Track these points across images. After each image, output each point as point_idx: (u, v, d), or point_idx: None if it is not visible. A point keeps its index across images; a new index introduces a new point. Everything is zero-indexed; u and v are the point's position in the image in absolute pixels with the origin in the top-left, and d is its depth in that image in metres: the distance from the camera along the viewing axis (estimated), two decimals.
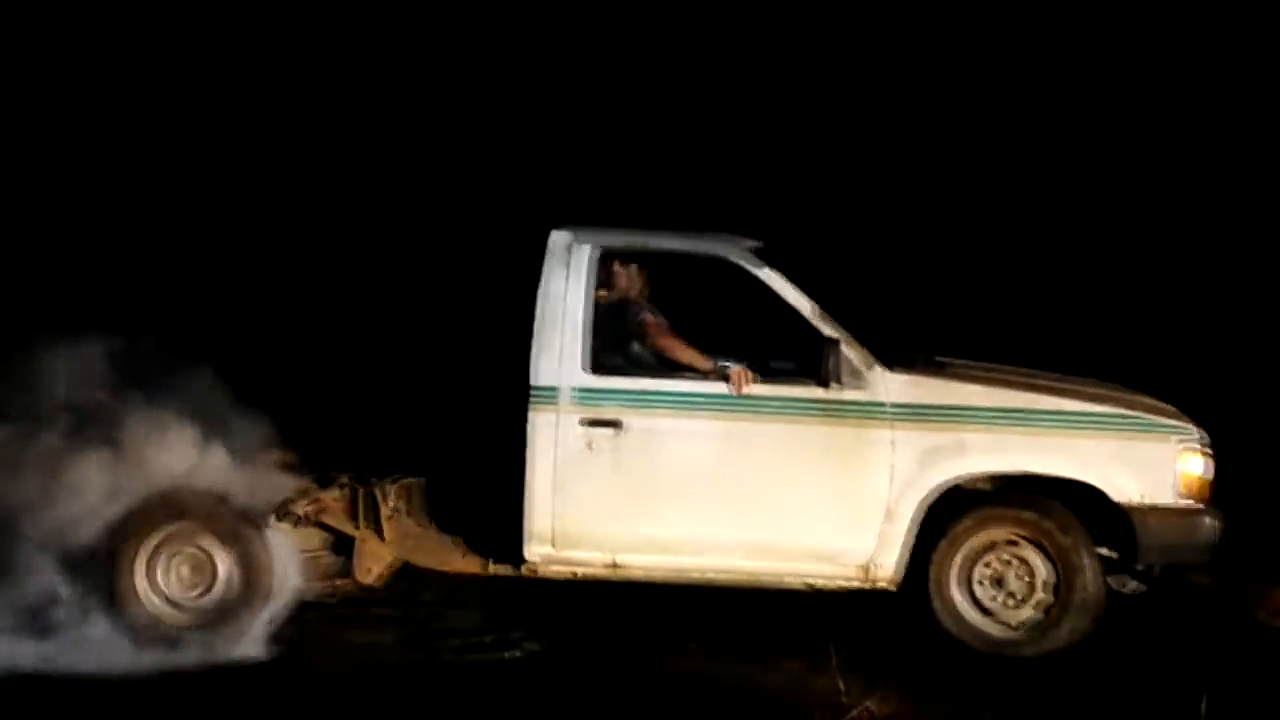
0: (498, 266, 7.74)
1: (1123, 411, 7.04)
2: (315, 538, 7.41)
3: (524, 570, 7.20)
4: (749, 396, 6.99)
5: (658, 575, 7.15)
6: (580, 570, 7.14)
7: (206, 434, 7.16)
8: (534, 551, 7.07)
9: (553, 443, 6.99)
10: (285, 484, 7.26)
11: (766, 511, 6.98)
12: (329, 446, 7.49)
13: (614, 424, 6.99)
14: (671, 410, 7.03)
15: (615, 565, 7.10)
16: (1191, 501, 6.94)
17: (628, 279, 7.33)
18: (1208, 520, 6.96)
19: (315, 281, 8.67)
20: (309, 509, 7.23)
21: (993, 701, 6.48)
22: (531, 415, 7.01)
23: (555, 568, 7.14)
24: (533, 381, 7.02)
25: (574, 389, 7.01)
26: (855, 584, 7.04)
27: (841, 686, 6.44)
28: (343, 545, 7.41)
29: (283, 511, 7.16)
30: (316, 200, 9.69)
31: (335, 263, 8.96)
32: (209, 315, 7.39)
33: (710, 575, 7.11)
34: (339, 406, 7.61)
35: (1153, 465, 6.91)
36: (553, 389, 7.01)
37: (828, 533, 6.98)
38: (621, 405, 7.01)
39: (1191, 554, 7.05)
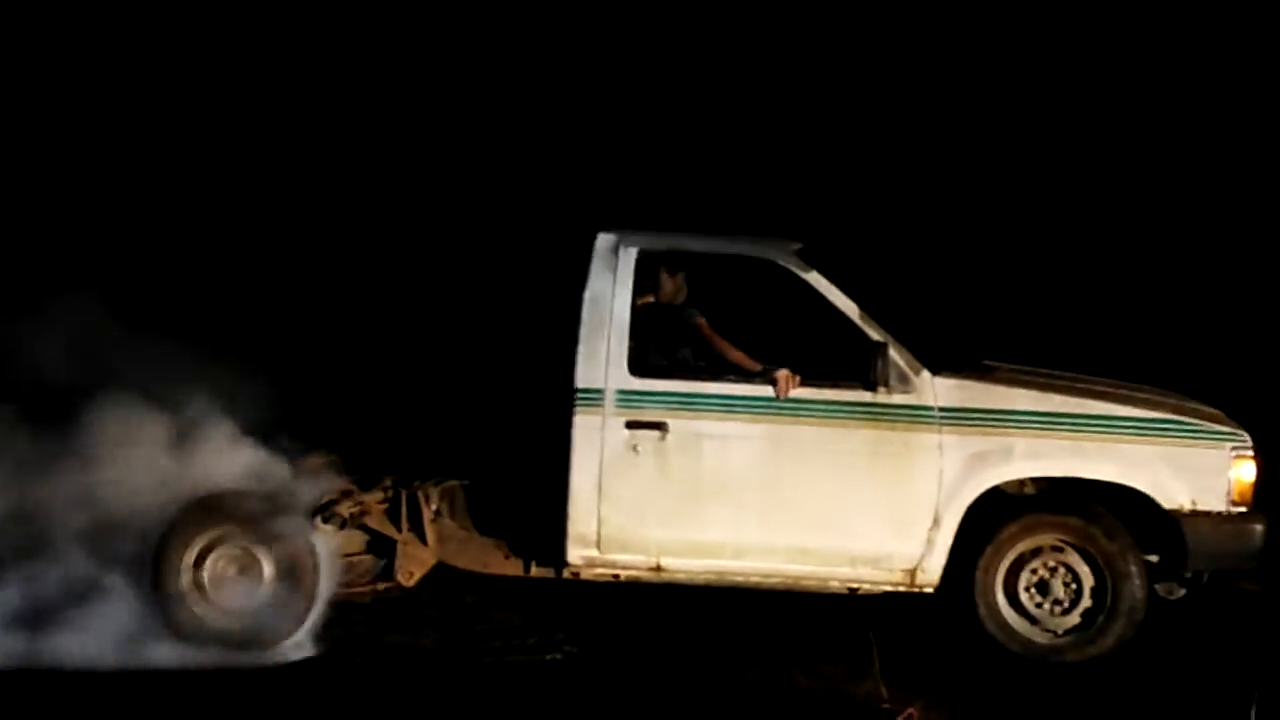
0: (542, 269, 7.70)
1: (1174, 417, 6.98)
2: (358, 540, 7.40)
3: (566, 573, 7.20)
4: (794, 400, 6.96)
5: (700, 579, 7.12)
6: (623, 573, 7.12)
7: (251, 436, 7.16)
8: (577, 554, 7.05)
9: (597, 445, 6.97)
10: (328, 486, 7.25)
11: (812, 515, 6.95)
12: (372, 449, 7.48)
13: (658, 426, 6.97)
14: (716, 413, 7.00)
15: (659, 568, 7.08)
16: (1242, 508, 6.88)
17: (673, 283, 7.31)
18: (1258, 527, 6.91)
19: (362, 285, 8.67)
20: (352, 511, 7.22)
21: (1035, 708, 6.45)
22: (576, 418, 6.98)
23: (598, 570, 7.12)
24: (577, 384, 7.00)
25: (618, 391, 6.99)
26: (900, 587, 7.01)
27: (883, 691, 6.42)
28: (384, 547, 7.41)
29: (326, 514, 7.13)
30: (363, 204, 9.69)
31: (382, 267, 8.95)
32: (255, 319, 7.35)
33: (754, 579, 7.09)
34: (382, 409, 7.59)
35: (1205, 472, 6.87)
36: (597, 391, 6.99)
37: (875, 537, 6.95)
38: (666, 408, 6.99)
39: (1241, 560, 7.00)
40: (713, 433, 6.98)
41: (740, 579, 7.10)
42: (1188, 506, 6.84)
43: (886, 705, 6.28)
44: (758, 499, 6.96)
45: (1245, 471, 6.89)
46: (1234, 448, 6.91)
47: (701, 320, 7.21)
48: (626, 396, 6.99)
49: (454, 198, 10.07)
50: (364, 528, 7.37)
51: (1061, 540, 6.95)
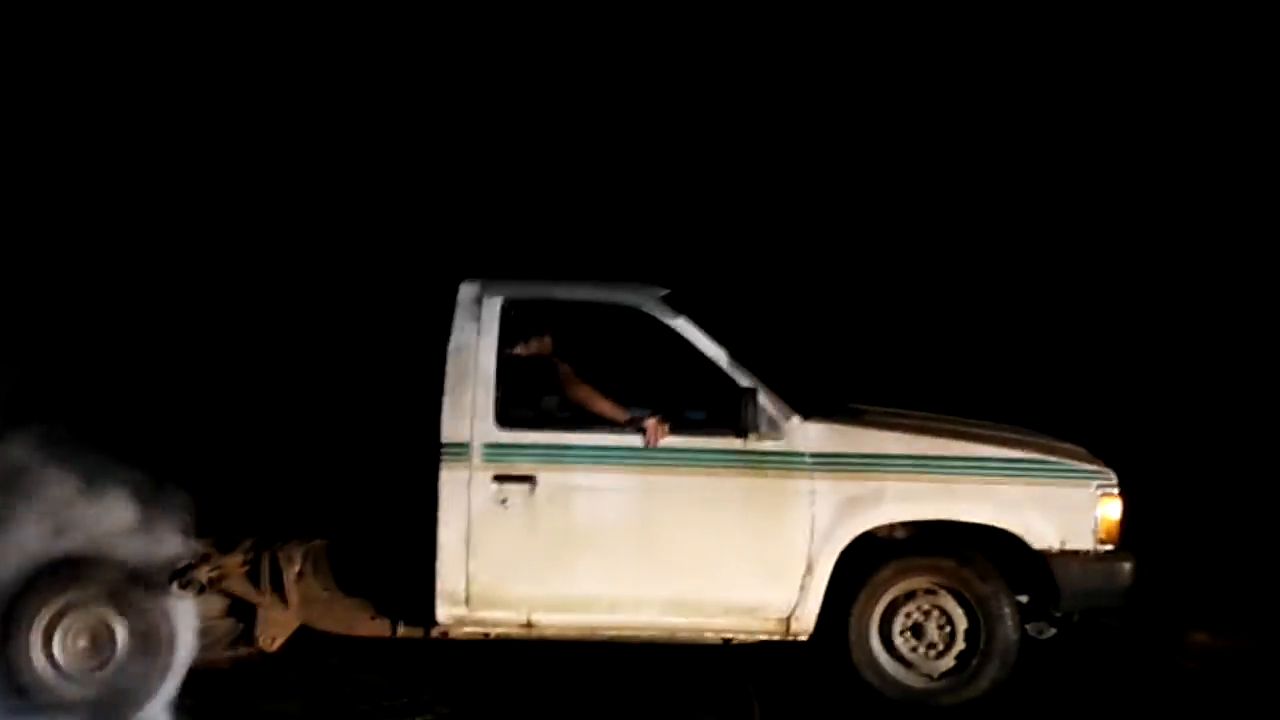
0: (407, 319, 7.53)
1: (1041, 457, 7.01)
2: (217, 604, 7.12)
3: (435, 632, 7.00)
4: (664, 449, 6.86)
5: (572, 633, 6.97)
6: (494, 631, 6.94)
7: (104, 496, 6.86)
8: (446, 613, 6.86)
9: (464, 500, 6.80)
10: (185, 549, 6.98)
11: (685, 566, 6.84)
12: (228, 508, 7.21)
13: (527, 479, 6.82)
14: (585, 464, 6.87)
15: (530, 625, 6.91)
16: (1109, 546, 6.93)
17: (539, 332, 7.18)
18: (1126, 565, 6.95)
19: (216, 335, 8.40)
20: (211, 575, 6.95)
21: None
22: (442, 472, 6.81)
23: (468, 629, 6.94)
24: (443, 438, 6.82)
25: (485, 445, 6.83)
26: (774, 636, 6.92)
27: None
28: (244, 610, 7.14)
29: (184, 578, 6.86)
30: (226, 247, 9.44)
31: (237, 315, 8.70)
32: (104, 377, 7.08)
33: (628, 632, 6.95)
34: (239, 466, 7.34)
35: (1072, 510, 6.89)
36: (463, 445, 6.82)
37: (748, 586, 6.86)
38: (534, 460, 6.84)
39: (1109, 599, 7.02)
40: (582, 484, 6.85)
41: (614, 633, 6.96)
42: (1057, 546, 6.86)
43: None
44: (630, 551, 6.84)
45: (1111, 510, 6.93)
46: (1099, 486, 6.95)
47: (567, 369, 7.10)
48: (493, 449, 6.83)
49: (321, 244, 9.86)
50: (223, 591, 7.11)
51: (935, 583, 6.94)
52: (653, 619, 6.90)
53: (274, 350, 8.35)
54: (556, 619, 6.91)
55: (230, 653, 7.16)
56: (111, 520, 6.85)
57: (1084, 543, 6.88)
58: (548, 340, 7.22)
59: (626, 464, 6.87)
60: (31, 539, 6.75)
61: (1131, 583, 6.99)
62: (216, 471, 7.25)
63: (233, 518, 7.20)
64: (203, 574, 6.91)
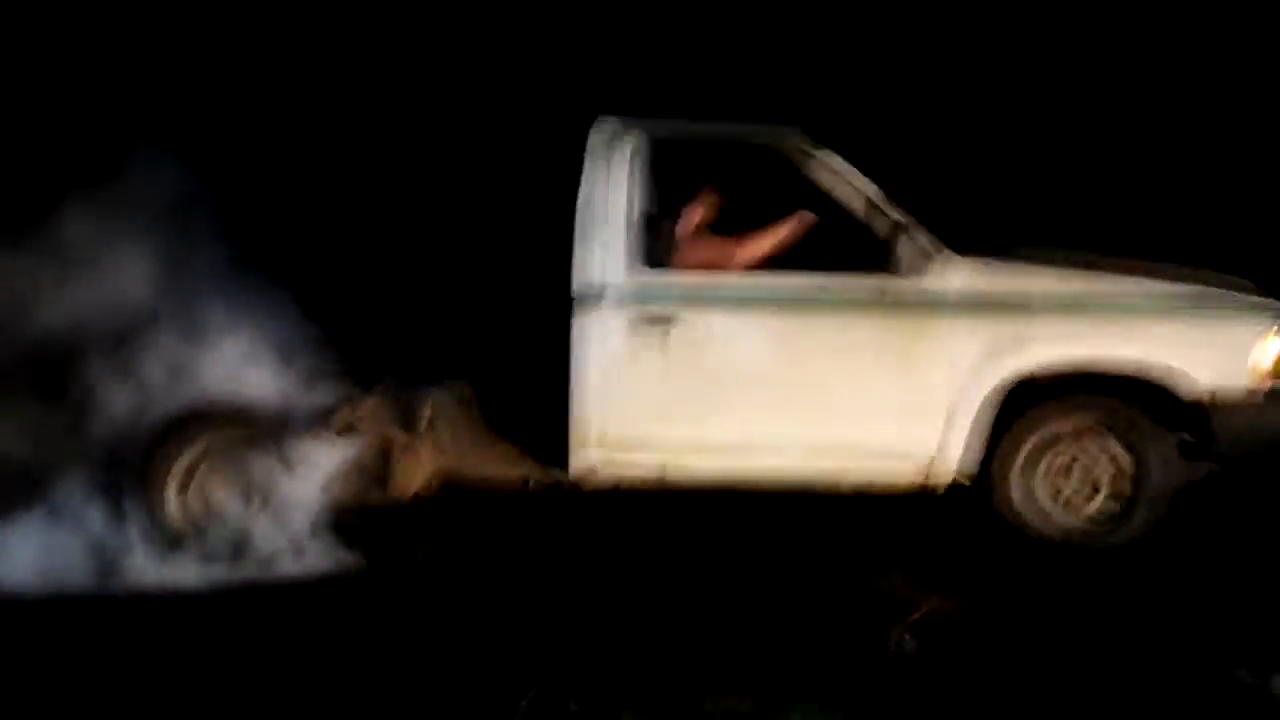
0: (541, 162, 7.36)
1: (1205, 291, 6.65)
2: (354, 448, 7.13)
3: (569, 479, 6.93)
4: (804, 288, 6.65)
5: (708, 480, 6.83)
6: (628, 476, 6.84)
7: (246, 342, 6.86)
8: (581, 457, 6.77)
9: (599, 344, 6.67)
10: (326, 392, 6.97)
11: (825, 409, 6.66)
12: (369, 351, 7.16)
13: (663, 321, 6.66)
14: (722, 306, 6.69)
15: (665, 470, 6.79)
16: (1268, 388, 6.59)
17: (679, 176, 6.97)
18: None
19: (353, 185, 8.31)
20: (350, 417, 6.95)
21: (1063, 596, 6.23)
22: (577, 315, 6.68)
23: (602, 475, 6.84)
24: (577, 281, 6.68)
25: (619, 287, 6.68)
26: (916, 483, 6.73)
27: (903, 587, 6.21)
28: (381, 455, 7.14)
29: (324, 420, 6.88)
30: (354, 98, 9.30)
31: (375, 165, 8.59)
32: (245, 224, 7.02)
33: (764, 478, 6.81)
34: (380, 311, 7.27)
35: (1237, 348, 6.54)
36: (598, 288, 6.67)
37: (890, 430, 6.66)
38: (670, 303, 6.68)
39: (1266, 442, 6.70)
40: (719, 327, 6.67)
41: (749, 479, 6.82)
42: (1219, 386, 6.53)
43: (907, 600, 6.06)
44: (768, 394, 6.66)
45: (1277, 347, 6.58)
46: (1273, 319, 6.58)
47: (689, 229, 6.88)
48: (628, 292, 6.68)
49: (452, 93, 9.69)
50: (361, 435, 7.09)
51: (1088, 424, 6.68)
52: (793, 464, 6.74)
53: (412, 194, 8.22)
54: (692, 464, 6.78)
55: (367, 496, 7.15)
56: (254, 363, 6.86)
57: (1250, 381, 6.54)
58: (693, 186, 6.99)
59: (765, 305, 6.67)
60: (169, 386, 6.79)
61: None
62: (355, 315, 7.19)
63: (371, 361, 7.17)
64: (342, 415, 6.92)
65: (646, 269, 6.71)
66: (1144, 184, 10.32)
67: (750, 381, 6.67)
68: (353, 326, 7.16)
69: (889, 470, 6.72)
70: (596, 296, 6.66)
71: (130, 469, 6.76)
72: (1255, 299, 6.68)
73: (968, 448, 6.65)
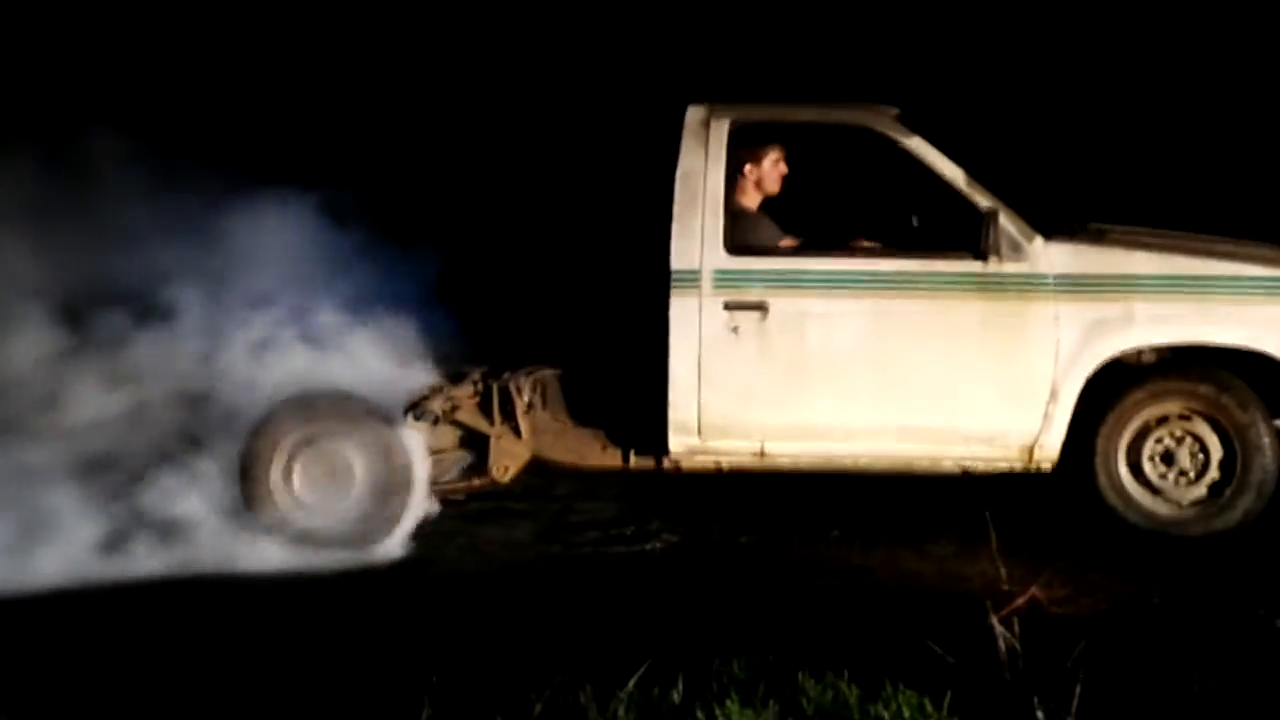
0: (630, 149, 7.37)
1: None
2: (449, 436, 7.17)
3: (666, 463, 6.94)
4: (901, 272, 6.64)
5: (805, 463, 6.84)
6: (726, 461, 6.85)
7: (338, 332, 6.91)
8: (679, 442, 6.78)
9: (695, 329, 6.67)
10: (418, 381, 7.01)
11: (923, 393, 6.64)
12: (459, 340, 7.20)
13: (758, 307, 6.66)
14: (819, 290, 6.68)
15: (763, 454, 6.80)
16: None
17: (770, 159, 6.96)
18: None
19: (439, 174, 8.35)
20: (444, 406, 6.99)
21: (1162, 583, 6.17)
22: (673, 301, 6.68)
23: (700, 459, 6.86)
24: (673, 265, 6.69)
25: (715, 272, 6.68)
26: (1016, 466, 6.71)
27: (1002, 572, 6.14)
28: (476, 442, 7.17)
29: (418, 410, 6.92)
30: (438, 86, 9.35)
31: (458, 154, 8.63)
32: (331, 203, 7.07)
33: (863, 461, 6.80)
34: (468, 299, 7.31)
35: None
36: (694, 272, 6.68)
37: (989, 413, 6.64)
38: (765, 287, 6.68)
39: None
40: (816, 311, 6.67)
41: (848, 462, 6.81)
42: None
43: (1005, 586, 6.01)
44: (865, 378, 6.66)
45: None
46: None
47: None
48: (724, 276, 6.68)
49: (541, 85, 9.72)
50: (455, 423, 7.14)
51: (1189, 409, 6.63)
52: (890, 448, 6.74)
53: (501, 189, 8.25)
54: (790, 448, 6.79)
55: (464, 484, 7.19)
56: (347, 354, 6.90)
57: None
58: (778, 167, 6.98)
59: (861, 289, 6.67)
60: (271, 373, 6.84)
61: None
62: (447, 305, 7.23)
63: (465, 348, 7.20)
64: (436, 405, 6.96)
65: (742, 253, 6.71)
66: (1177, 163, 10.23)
67: (846, 365, 6.67)
68: (446, 315, 7.21)
69: (992, 454, 6.69)
70: (695, 280, 6.67)
71: (234, 457, 6.81)
72: None
73: (1064, 431, 6.62)
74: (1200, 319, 6.56)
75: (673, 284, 6.69)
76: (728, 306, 6.67)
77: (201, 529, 6.74)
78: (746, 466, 6.89)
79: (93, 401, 6.84)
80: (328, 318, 6.93)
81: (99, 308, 6.88)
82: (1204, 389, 6.61)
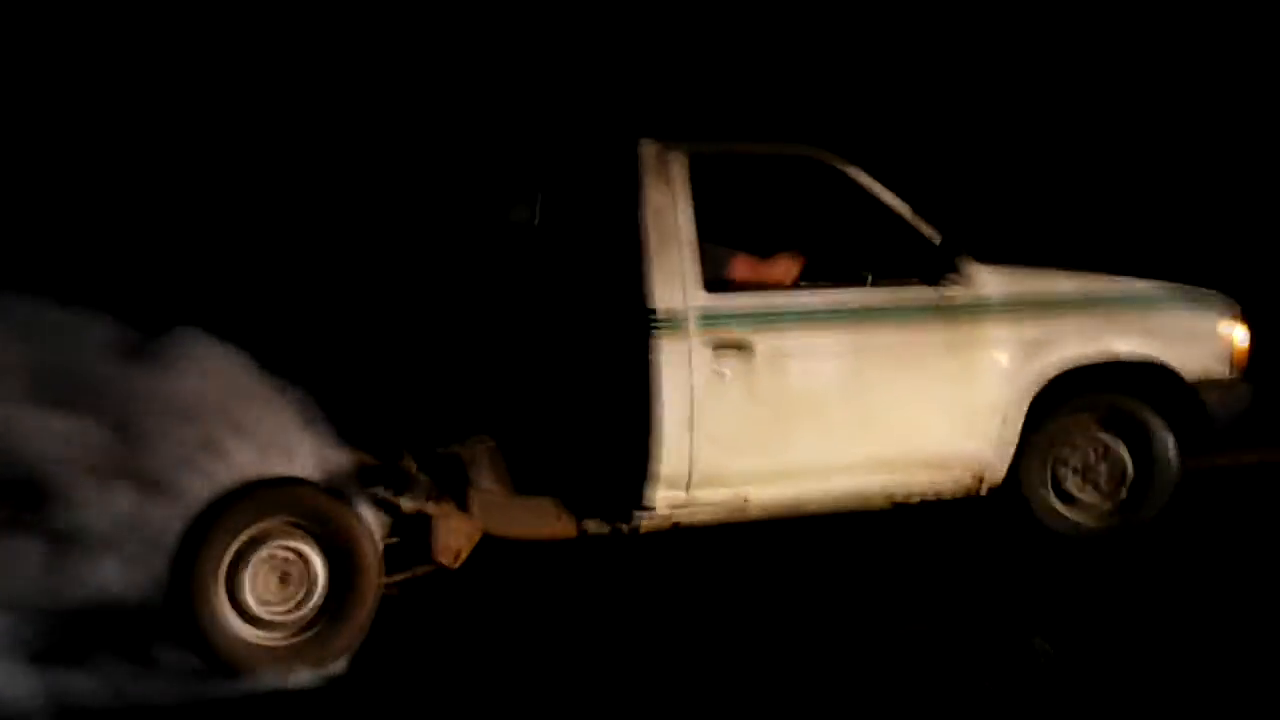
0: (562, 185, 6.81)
1: (1192, 289, 7.21)
2: (391, 521, 6.19)
3: (630, 526, 6.40)
4: (873, 304, 6.58)
5: (783, 508, 6.56)
6: (709, 512, 6.42)
7: (272, 414, 5.82)
8: (664, 497, 6.28)
9: (685, 374, 6.23)
10: (352, 463, 6.03)
11: (892, 423, 6.58)
12: (373, 413, 6.26)
13: (742, 347, 6.35)
14: (798, 326, 6.47)
15: (745, 501, 6.45)
16: (1238, 373, 7.24)
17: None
18: (1250, 390, 7.28)
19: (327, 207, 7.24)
20: (392, 488, 6.05)
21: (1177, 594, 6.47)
22: (656, 345, 6.20)
23: (684, 512, 6.39)
24: (656, 307, 6.22)
25: (699, 312, 6.29)
26: (969, 490, 6.81)
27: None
28: (412, 527, 6.24)
29: (367, 493, 5.95)
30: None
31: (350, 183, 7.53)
32: (222, 282, 5.97)
33: (831, 500, 6.60)
34: (393, 373, 6.36)
35: (1216, 339, 7.14)
36: (678, 314, 6.25)
37: (947, 439, 6.69)
38: (750, 325, 6.37)
39: (1237, 426, 7.34)
40: (796, 347, 6.44)
41: (817, 503, 6.60)
42: (1208, 375, 7.10)
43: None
44: (843, 412, 6.51)
45: (1242, 336, 7.26)
46: (1233, 313, 7.25)
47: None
48: (707, 317, 6.30)
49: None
50: (383, 504, 6.17)
51: (1101, 420, 7.02)
52: (857, 482, 6.60)
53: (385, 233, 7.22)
54: (770, 492, 6.47)
55: (402, 576, 6.22)
56: (287, 438, 5.82)
57: (1225, 370, 7.17)
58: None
59: (835, 323, 6.53)
60: (195, 468, 5.62)
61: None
62: (356, 378, 6.28)
63: (380, 423, 6.26)
64: (382, 488, 6.02)
65: (719, 291, 6.38)
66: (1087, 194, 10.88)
67: (827, 401, 6.50)
68: (354, 385, 6.26)
69: (942, 481, 6.74)
70: (680, 321, 6.24)
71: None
72: (1222, 296, 7.33)
73: (1010, 453, 6.82)
74: (1111, 334, 6.95)
75: (656, 326, 6.22)
76: (716, 348, 6.29)
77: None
78: (714, 519, 6.49)
79: None
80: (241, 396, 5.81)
81: None
82: (1114, 401, 7.05)
